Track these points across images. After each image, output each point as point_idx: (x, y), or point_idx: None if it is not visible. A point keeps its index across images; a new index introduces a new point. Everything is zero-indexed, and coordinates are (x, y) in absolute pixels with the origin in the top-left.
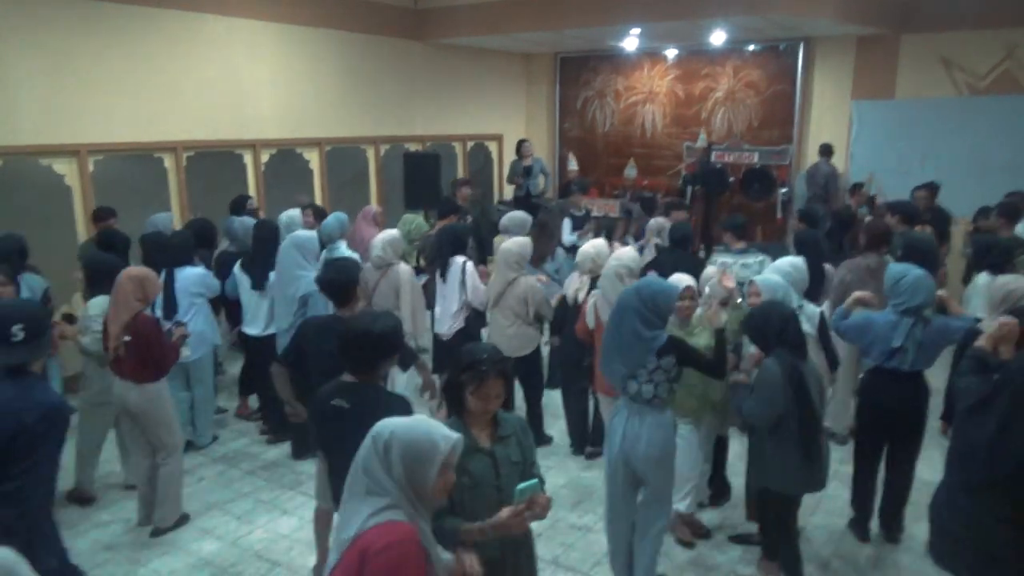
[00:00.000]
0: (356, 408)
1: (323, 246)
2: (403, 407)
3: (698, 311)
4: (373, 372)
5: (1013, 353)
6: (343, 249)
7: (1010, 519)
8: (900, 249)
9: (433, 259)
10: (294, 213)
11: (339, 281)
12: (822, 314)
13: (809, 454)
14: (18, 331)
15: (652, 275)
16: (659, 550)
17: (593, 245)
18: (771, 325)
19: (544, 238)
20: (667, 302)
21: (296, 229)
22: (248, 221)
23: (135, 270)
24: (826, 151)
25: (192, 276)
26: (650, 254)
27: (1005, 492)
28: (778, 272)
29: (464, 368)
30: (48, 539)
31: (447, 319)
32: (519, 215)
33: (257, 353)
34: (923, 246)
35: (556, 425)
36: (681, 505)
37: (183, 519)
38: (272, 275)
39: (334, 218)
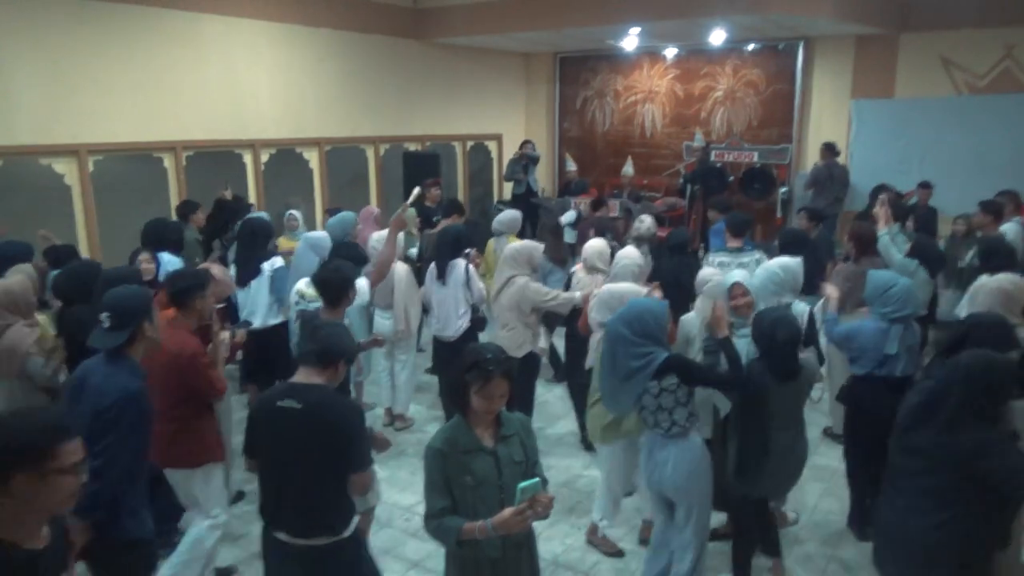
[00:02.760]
0: (308, 409)
1: None
2: (355, 413)
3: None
4: (331, 370)
5: None
6: None
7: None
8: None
9: (429, 259)
10: (347, 216)
11: (333, 281)
12: (811, 313)
13: (758, 467)
14: (105, 319)
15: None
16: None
17: (598, 244)
18: (760, 337)
19: (557, 241)
20: (656, 320)
21: (348, 231)
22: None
23: (214, 267)
24: (834, 150)
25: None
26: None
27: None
28: (767, 274)
29: (469, 367)
30: (134, 511)
31: (452, 321)
32: (510, 214)
33: (262, 346)
34: (931, 251)
35: (559, 424)
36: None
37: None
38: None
39: (337, 219)
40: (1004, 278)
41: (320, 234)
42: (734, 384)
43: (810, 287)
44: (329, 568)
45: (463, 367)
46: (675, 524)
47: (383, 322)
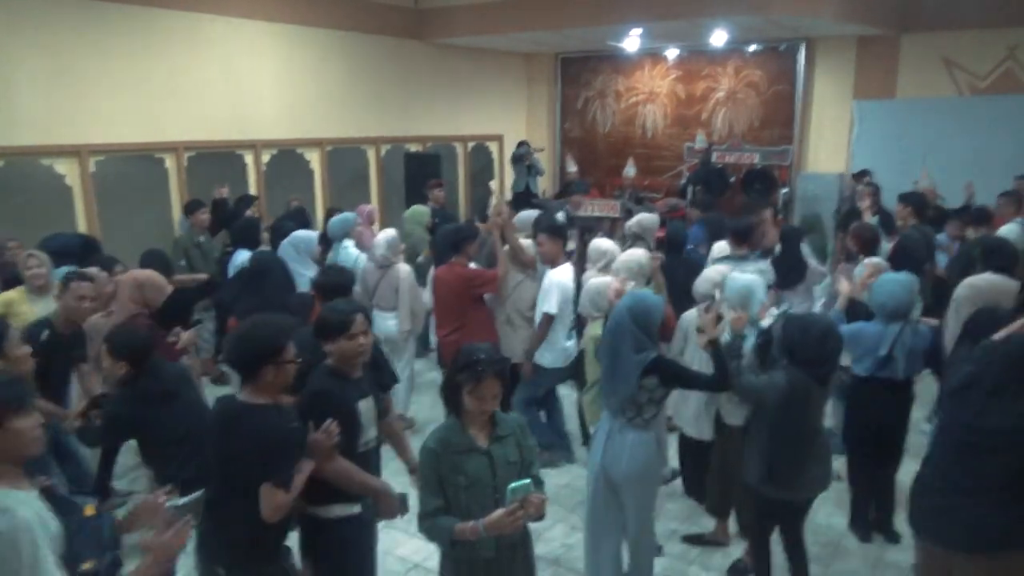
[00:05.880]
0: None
1: (330, 245)
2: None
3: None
4: (254, 380)
5: None
6: (349, 249)
7: (995, 488)
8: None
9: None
10: (347, 216)
11: (326, 285)
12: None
13: (796, 472)
14: None
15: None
16: (649, 563)
17: (638, 253)
18: (808, 347)
19: (559, 242)
20: (657, 317)
21: (347, 231)
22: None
23: (139, 273)
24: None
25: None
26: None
27: (988, 463)
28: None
29: (461, 368)
30: None
31: None
32: (526, 215)
33: None
34: (913, 249)
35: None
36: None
37: None
38: None
39: (339, 219)
40: (981, 276)
41: (304, 234)
42: (719, 388)
43: (783, 282)
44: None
45: (455, 368)
46: (626, 519)
47: (386, 323)
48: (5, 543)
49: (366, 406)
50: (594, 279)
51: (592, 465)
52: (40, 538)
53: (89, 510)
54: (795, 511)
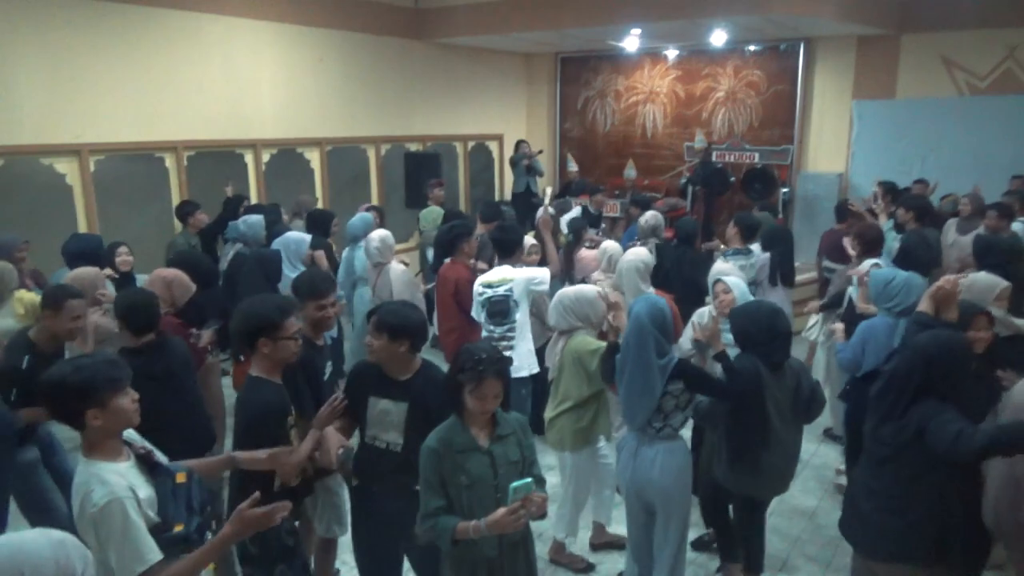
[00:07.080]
0: None
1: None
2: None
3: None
4: (253, 353)
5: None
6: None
7: (888, 495)
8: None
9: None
10: (367, 216)
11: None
12: None
13: (755, 460)
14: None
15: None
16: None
17: (613, 243)
18: (759, 330)
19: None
20: (671, 319)
21: (368, 231)
22: (251, 219)
23: (166, 272)
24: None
25: None
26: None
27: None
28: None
29: (462, 368)
30: None
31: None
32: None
33: None
34: (920, 249)
35: None
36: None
37: None
38: None
39: (359, 218)
40: (978, 275)
41: (296, 235)
42: (731, 395)
43: (788, 279)
44: None
45: (456, 368)
46: (655, 531)
47: None
48: (103, 514)
49: (379, 406)
50: (567, 287)
51: (623, 485)
52: (131, 507)
53: (180, 477)
54: (754, 505)
